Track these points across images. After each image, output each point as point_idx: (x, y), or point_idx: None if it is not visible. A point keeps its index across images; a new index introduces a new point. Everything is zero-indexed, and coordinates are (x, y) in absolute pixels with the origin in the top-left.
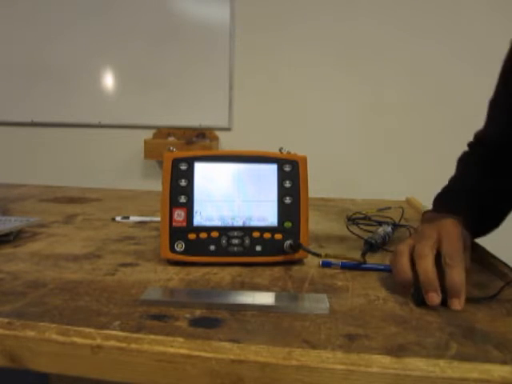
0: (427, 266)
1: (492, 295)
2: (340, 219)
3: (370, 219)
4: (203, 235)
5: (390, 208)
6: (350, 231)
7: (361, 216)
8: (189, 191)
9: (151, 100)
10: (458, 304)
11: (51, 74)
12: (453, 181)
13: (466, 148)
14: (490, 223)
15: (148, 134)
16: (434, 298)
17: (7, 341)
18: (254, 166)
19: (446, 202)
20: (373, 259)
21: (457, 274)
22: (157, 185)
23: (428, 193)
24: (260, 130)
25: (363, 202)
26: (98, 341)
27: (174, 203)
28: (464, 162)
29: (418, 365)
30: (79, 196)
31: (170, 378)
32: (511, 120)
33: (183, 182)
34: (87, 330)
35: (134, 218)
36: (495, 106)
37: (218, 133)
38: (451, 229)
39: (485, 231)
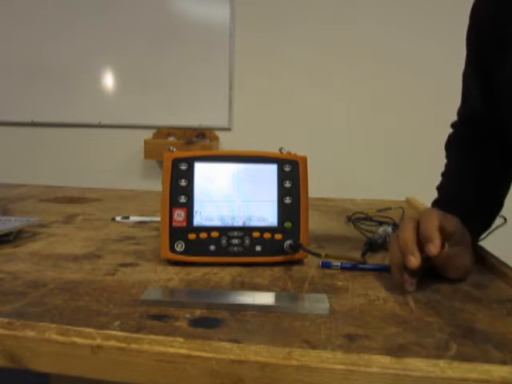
0: (406, 234)
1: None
2: (340, 219)
3: (370, 219)
4: (203, 235)
5: (390, 208)
6: (356, 229)
7: (361, 216)
8: (189, 191)
9: (151, 100)
10: (432, 248)
11: (51, 73)
12: (445, 178)
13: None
14: (491, 210)
15: (148, 134)
16: (412, 260)
17: (7, 341)
18: (254, 166)
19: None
20: (373, 259)
21: (427, 223)
22: (157, 185)
23: (428, 193)
24: (260, 130)
25: (363, 201)
26: (98, 341)
27: (174, 203)
28: (450, 151)
29: (417, 365)
30: (79, 196)
31: (170, 377)
32: (481, 92)
33: (183, 182)
34: (87, 329)
35: (133, 218)
36: (465, 80)
37: (217, 133)
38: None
39: (488, 222)
